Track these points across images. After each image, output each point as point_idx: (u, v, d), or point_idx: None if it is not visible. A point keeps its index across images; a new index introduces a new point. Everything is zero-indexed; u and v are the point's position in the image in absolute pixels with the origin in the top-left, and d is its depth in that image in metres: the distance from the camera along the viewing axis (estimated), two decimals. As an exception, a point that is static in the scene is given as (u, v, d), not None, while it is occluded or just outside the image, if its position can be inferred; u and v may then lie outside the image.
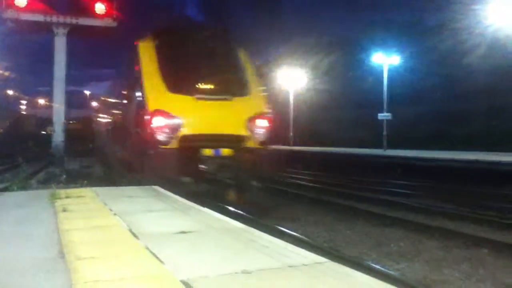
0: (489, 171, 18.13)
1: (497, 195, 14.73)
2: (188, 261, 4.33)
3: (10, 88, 55.72)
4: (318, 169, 24.19)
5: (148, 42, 12.01)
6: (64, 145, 17.59)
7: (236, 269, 4.01)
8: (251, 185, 11.37)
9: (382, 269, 6.89)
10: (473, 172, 18.56)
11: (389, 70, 33.99)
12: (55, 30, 17.27)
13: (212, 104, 11.14)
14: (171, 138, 10.57)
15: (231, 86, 11.67)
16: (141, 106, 11.27)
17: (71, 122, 40.48)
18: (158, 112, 10.63)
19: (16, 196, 9.75)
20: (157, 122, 10.55)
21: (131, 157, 12.96)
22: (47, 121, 38.11)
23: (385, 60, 34.24)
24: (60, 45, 17.33)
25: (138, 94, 11.75)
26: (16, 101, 67.23)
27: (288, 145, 41.24)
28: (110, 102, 19.56)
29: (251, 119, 11.38)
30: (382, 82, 34.43)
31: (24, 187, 11.90)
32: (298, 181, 20.05)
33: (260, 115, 11.60)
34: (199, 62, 11.72)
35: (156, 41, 11.97)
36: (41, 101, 68.15)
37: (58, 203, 8.17)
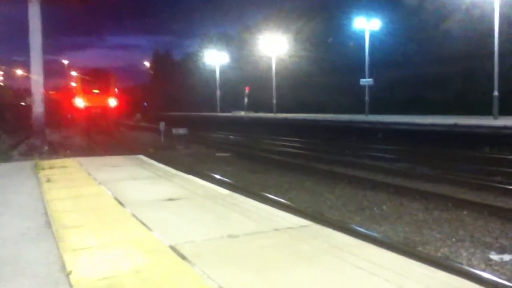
0: (467, 134, 18.36)
1: (476, 158, 15.01)
2: (175, 227, 4.40)
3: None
4: (301, 135, 24.31)
5: (79, 74, 32.79)
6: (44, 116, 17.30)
7: (223, 233, 4.09)
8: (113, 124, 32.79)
9: (364, 230, 7.05)
10: (452, 136, 18.81)
11: (370, 35, 33.89)
12: (28, -3, 16.66)
13: (96, 96, 31.86)
14: (82, 106, 31.33)
15: (104, 89, 31.97)
16: (76, 96, 32.35)
17: (51, 92, 41.58)
18: (78, 99, 31.72)
19: (-2, 168, 9.67)
20: (78, 102, 31.67)
21: (72, 113, 33.01)
22: (26, 92, 37.74)
23: (367, 25, 34.05)
24: (34, 13, 16.75)
25: (75, 92, 33.01)
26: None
27: (272, 112, 41.15)
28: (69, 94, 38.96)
29: (108, 99, 31.86)
30: (362, 47, 34.36)
31: (5, 158, 11.77)
32: (282, 148, 20.16)
33: (111, 98, 32.11)
34: (94, 81, 31.52)
35: (81, 73, 32.43)
36: (19, 72, 66.30)
37: (42, 173, 8.15)
